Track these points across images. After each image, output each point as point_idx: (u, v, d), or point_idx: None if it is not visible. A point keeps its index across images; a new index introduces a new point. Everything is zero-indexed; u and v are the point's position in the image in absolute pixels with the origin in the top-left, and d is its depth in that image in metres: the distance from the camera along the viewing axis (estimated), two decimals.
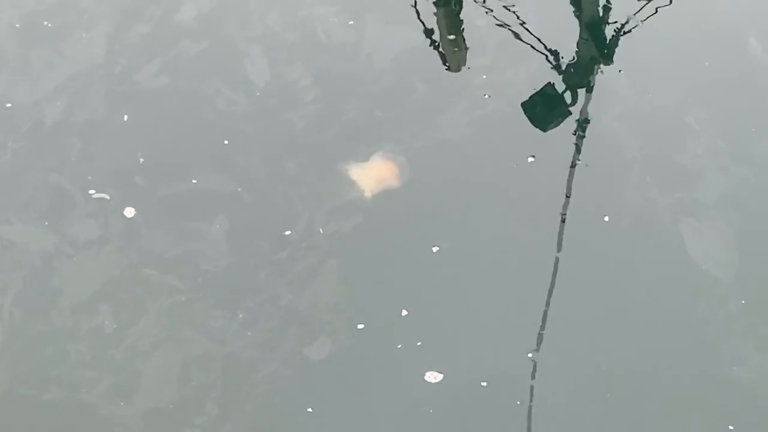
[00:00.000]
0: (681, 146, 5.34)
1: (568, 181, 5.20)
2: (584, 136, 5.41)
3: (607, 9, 6.04)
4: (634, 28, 5.93)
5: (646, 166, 5.27)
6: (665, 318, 4.75)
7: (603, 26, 5.97)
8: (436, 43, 5.94)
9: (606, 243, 5.00)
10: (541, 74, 5.70)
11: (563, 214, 5.07)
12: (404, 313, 4.72)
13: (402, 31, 5.99)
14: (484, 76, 5.68)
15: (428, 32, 5.97)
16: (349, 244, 4.97)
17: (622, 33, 5.91)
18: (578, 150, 5.34)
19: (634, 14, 5.99)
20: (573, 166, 5.26)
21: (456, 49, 5.93)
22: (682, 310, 4.78)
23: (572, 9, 6.06)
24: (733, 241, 5.00)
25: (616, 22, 5.97)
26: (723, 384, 4.54)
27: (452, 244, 4.94)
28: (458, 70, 5.82)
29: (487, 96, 5.57)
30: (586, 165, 5.26)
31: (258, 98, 5.64)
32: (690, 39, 5.88)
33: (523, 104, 5.51)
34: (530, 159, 5.26)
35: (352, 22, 6.02)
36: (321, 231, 5.03)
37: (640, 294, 4.82)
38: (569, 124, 5.47)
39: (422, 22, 6.04)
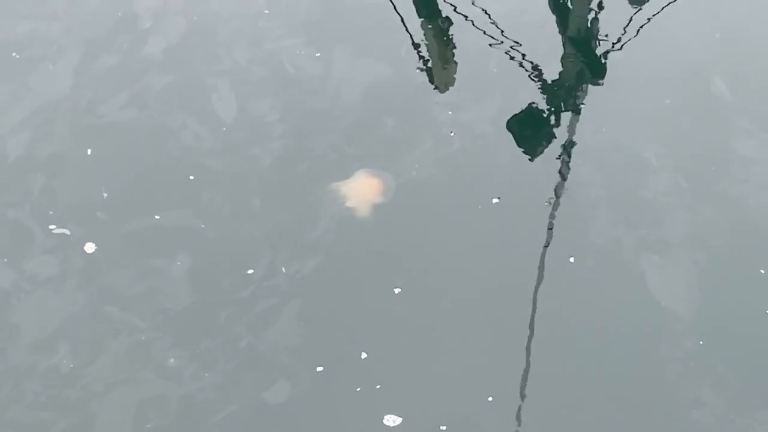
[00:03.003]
0: (642, 185, 5.34)
1: (533, 222, 5.18)
2: (550, 175, 5.42)
3: (581, 39, 6.09)
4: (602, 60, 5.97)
5: (611, 205, 5.27)
6: (626, 360, 4.73)
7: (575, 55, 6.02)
8: (425, 62, 5.95)
9: (571, 284, 4.98)
10: (507, 112, 5.70)
11: (527, 256, 5.05)
12: (364, 355, 4.69)
13: (369, 64, 5.98)
14: (450, 113, 5.67)
15: (416, 50, 5.99)
16: (311, 284, 4.94)
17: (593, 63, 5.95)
18: (542, 190, 5.33)
19: (602, 48, 6.02)
20: (540, 206, 5.25)
21: (444, 68, 5.94)
22: (644, 352, 4.76)
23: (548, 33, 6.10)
24: (695, 280, 5.00)
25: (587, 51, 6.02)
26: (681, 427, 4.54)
27: (414, 285, 4.91)
28: (446, 89, 5.83)
29: (452, 134, 5.56)
30: (548, 203, 5.26)
31: (224, 133, 5.61)
32: (653, 77, 5.88)
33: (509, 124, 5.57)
34: (495, 200, 5.24)
35: (318, 54, 6.00)
36: (284, 270, 5.00)
37: (604, 337, 4.80)
38: (534, 164, 5.49)
39: (411, 38, 6.09)
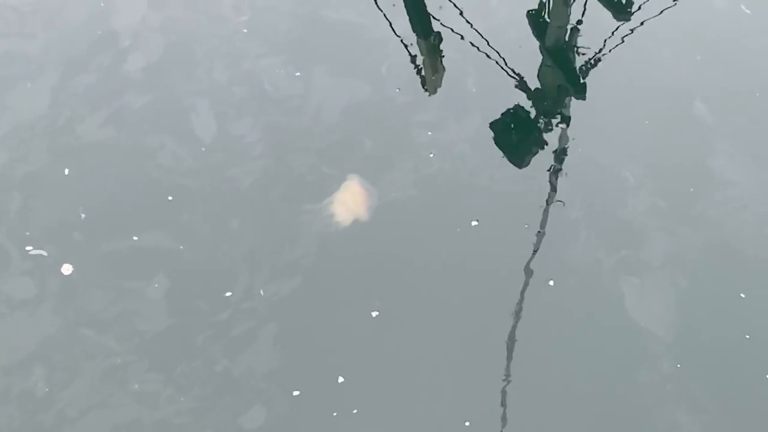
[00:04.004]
0: (621, 206, 5.34)
1: (512, 244, 5.17)
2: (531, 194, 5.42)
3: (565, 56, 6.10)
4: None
5: (590, 226, 5.26)
6: (605, 383, 4.72)
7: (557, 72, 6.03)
8: (416, 67, 5.98)
9: (551, 307, 4.97)
10: (486, 132, 5.70)
11: (506, 279, 5.04)
12: (341, 380, 4.66)
13: (349, 83, 5.96)
14: (429, 133, 5.66)
15: (410, 58, 6.06)
16: (289, 307, 4.91)
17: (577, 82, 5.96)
18: (521, 213, 5.32)
19: (582, 69, 6.03)
20: (519, 228, 5.24)
21: (434, 74, 5.98)
22: (622, 374, 4.76)
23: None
24: (674, 303, 5.00)
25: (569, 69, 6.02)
26: None
27: (392, 309, 4.89)
28: (434, 92, 5.89)
29: (432, 155, 5.55)
30: (527, 226, 5.25)
31: (203, 153, 5.58)
32: (633, 98, 5.89)
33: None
34: (474, 223, 5.23)
35: (298, 74, 5.98)
36: (262, 293, 4.97)
37: (583, 359, 4.79)
38: (513, 186, 5.48)
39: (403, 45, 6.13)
